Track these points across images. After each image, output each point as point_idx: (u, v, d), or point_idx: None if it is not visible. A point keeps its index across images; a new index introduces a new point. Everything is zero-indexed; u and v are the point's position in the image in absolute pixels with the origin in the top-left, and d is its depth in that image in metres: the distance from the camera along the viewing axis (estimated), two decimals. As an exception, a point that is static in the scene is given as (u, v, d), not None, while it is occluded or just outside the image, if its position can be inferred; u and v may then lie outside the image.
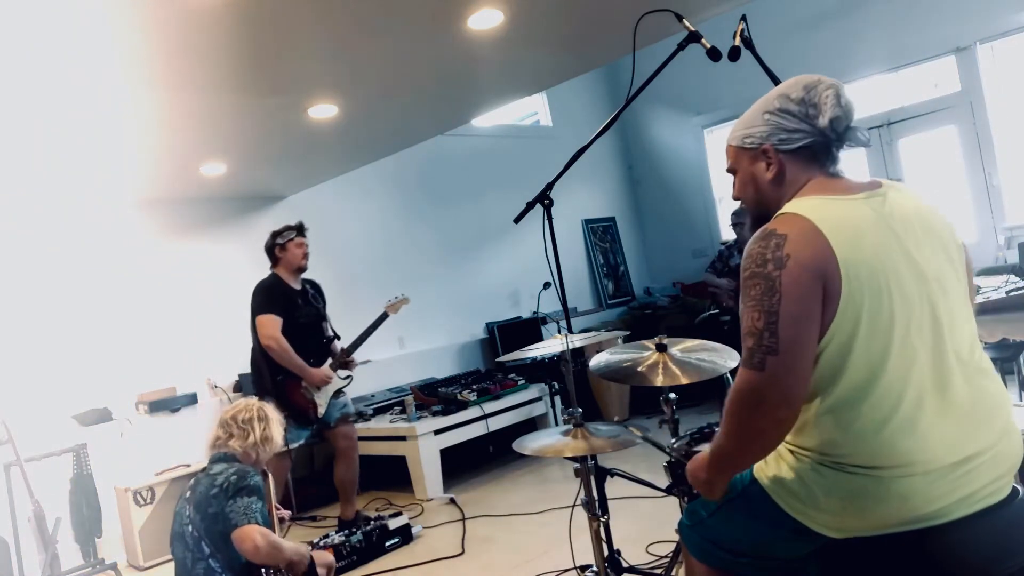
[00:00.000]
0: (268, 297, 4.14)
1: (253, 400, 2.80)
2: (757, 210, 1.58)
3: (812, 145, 1.49)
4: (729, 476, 1.53)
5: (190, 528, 2.49)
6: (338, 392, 4.31)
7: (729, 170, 1.63)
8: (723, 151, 1.66)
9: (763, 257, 1.38)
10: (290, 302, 4.17)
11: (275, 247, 4.22)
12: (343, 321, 4.62)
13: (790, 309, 1.33)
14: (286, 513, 3.11)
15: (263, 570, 2.47)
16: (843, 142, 1.50)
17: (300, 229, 4.26)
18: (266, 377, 4.14)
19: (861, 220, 1.40)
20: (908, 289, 1.38)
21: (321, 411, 4.19)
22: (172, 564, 2.59)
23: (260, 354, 4.15)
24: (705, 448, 1.95)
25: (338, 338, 4.43)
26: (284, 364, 4.08)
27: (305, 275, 4.34)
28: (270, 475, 3.09)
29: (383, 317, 4.52)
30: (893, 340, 1.35)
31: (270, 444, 2.68)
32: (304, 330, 4.19)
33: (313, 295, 4.36)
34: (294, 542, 2.57)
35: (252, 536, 2.36)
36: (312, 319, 4.28)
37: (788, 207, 1.45)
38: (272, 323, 4.06)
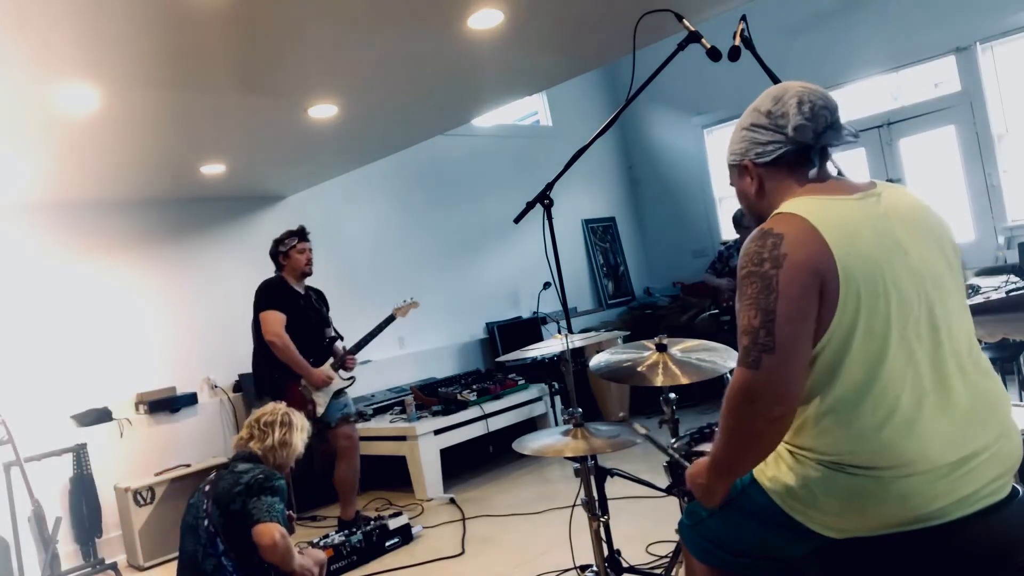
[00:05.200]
0: (272, 294, 4.15)
1: (282, 405, 2.85)
2: (755, 221, 1.59)
3: (786, 155, 1.50)
4: (728, 482, 1.53)
5: (206, 523, 2.49)
6: (339, 392, 4.30)
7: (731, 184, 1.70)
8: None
9: (760, 256, 1.38)
10: (293, 302, 4.18)
11: (279, 254, 4.24)
12: (343, 321, 4.62)
13: (787, 308, 1.33)
14: (291, 513, 3.12)
15: (272, 573, 2.47)
16: (823, 145, 1.48)
17: (302, 234, 4.25)
18: (265, 374, 4.14)
19: (857, 220, 1.40)
20: (905, 289, 1.38)
21: (320, 410, 4.17)
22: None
23: (261, 351, 4.15)
24: (706, 448, 1.96)
25: (341, 339, 4.43)
26: (286, 361, 4.07)
27: (309, 282, 4.35)
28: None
29: (390, 319, 4.54)
30: (890, 340, 1.35)
31: (288, 449, 2.72)
32: (306, 330, 4.19)
33: (316, 300, 4.38)
34: (305, 558, 2.58)
35: (272, 533, 2.40)
36: (315, 321, 4.28)
37: (784, 206, 1.45)
38: (276, 319, 4.07)
